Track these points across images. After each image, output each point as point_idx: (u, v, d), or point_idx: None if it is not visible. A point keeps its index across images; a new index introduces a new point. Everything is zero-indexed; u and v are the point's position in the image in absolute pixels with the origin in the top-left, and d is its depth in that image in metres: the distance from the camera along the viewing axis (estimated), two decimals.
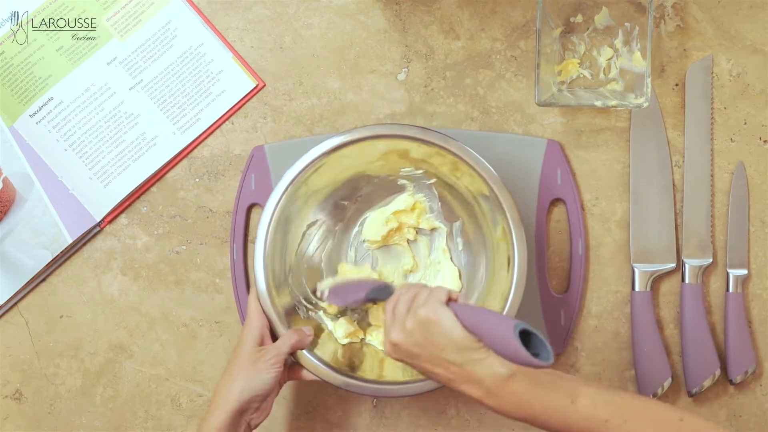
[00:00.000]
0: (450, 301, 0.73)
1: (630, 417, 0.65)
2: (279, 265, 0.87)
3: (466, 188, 0.87)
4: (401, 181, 0.91)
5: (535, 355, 0.66)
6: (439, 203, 0.92)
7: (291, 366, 0.85)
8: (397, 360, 0.75)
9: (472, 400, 0.71)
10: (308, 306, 0.90)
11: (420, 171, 0.89)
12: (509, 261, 0.83)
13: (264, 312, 0.84)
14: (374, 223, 0.92)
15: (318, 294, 0.89)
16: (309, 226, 0.90)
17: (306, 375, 0.84)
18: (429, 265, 0.93)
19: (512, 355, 0.66)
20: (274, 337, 0.84)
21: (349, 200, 0.92)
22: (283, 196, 0.85)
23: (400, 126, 0.85)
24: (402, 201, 0.92)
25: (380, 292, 0.82)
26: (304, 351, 0.83)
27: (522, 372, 0.68)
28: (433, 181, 0.90)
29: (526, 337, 0.67)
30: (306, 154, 0.85)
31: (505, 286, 0.84)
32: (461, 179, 0.87)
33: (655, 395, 0.91)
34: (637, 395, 0.72)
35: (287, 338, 0.82)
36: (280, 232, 0.86)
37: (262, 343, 0.82)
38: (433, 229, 0.93)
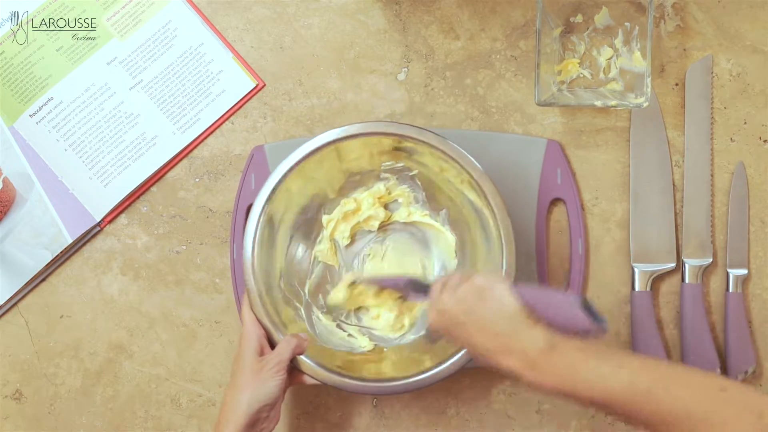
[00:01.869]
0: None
1: (671, 385, 0.64)
2: (270, 272, 0.86)
3: (427, 167, 0.88)
4: (383, 175, 0.91)
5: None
6: (424, 193, 0.92)
7: (290, 371, 0.85)
8: (438, 329, 0.75)
9: (511, 375, 0.69)
10: (302, 308, 0.90)
11: (401, 164, 0.89)
12: (497, 236, 0.83)
13: (259, 321, 0.84)
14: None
15: (348, 279, 0.90)
16: (295, 230, 0.90)
17: (307, 379, 0.84)
18: None
19: (572, 322, 0.67)
20: (272, 344, 0.84)
21: (333, 198, 0.92)
22: (267, 203, 0.85)
23: (374, 124, 0.85)
24: (375, 190, 0.92)
25: (417, 285, 0.82)
26: (302, 356, 0.83)
27: (567, 344, 0.68)
28: (415, 172, 0.90)
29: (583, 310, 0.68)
30: (285, 160, 0.84)
31: (497, 260, 0.84)
32: (427, 163, 0.87)
33: None
34: (680, 364, 0.70)
35: (287, 344, 0.82)
36: (267, 238, 0.86)
37: (261, 353, 0.82)
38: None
